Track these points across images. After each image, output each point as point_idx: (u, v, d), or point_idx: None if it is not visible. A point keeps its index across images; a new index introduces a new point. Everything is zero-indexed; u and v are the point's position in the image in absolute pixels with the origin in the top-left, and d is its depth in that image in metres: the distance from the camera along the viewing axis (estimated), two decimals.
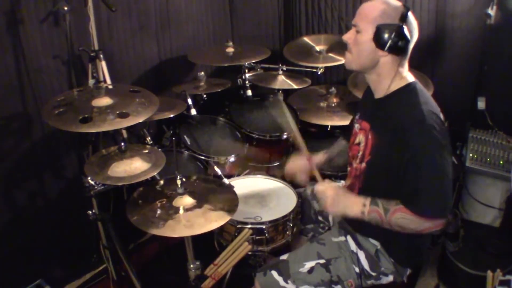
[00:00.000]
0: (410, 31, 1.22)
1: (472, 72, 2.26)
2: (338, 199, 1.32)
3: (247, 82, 2.35)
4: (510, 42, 2.13)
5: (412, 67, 2.14)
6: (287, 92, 2.53)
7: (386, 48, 1.21)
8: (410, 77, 1.30)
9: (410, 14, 1.23)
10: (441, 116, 1.24)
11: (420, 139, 1.18)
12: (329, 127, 2.27)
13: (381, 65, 1.27)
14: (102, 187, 1.53)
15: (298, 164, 1.60)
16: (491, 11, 2.03)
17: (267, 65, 2.37)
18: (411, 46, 1.26)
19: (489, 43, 2.14)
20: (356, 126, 1.43)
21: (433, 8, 2.31)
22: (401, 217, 1.21)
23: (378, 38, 1.21)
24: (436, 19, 2.32)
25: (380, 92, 1.32)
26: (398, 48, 1.20)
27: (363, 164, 1.35)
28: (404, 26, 1.20)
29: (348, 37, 1.30)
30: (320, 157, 1.63)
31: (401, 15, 1.20)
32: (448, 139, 1.22)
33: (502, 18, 2.06)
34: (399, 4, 1.24)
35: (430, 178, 1.18)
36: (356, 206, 1.28)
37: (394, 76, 1.27)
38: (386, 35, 1.19)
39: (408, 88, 1.27)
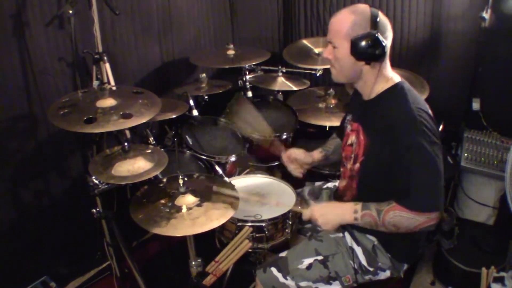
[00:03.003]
0: (384, 34, 1.21)
1: (467, 74, 2.29)
2: (327, 215, 1.34)
3: (247, 83, 2.38)
4: (504, 45, 2.14)
5: (408, 69, 2.21)
6: (287, 93, 2.56)
7: (365, 58, 1.21)
8: (396, 78, 1.31)
9: (380, 16, 1.21)
10: (430, 112, 1.26)
11: (411, 135, 1.19)
12: (327, 127, 2.30)
13: (365, 73, 1.28)
14: (106, 186, 1.55)
15: (299, 154, 1.64)
16: (486, 15, 2.05)
17: (267, 67, 2.40)
18: (389, 45, 1.25)
19: (484, 46, 2.16)
20: (348, 127, 1.45)
21: (429, 11, 2.34)
22: (395, 215, 1.21)
23: (355, 52, 1.21)
24: (432, 22, 2.35)
25: (368, 94, 1.33)
26: (376, 55, 1.20)
27: (357, 165, 1.37)
28: (377, 33, 1.19)
29: (327, 53, 1.30)
30: (316, 155, 1.65)
31: (371, 22, 1.20)
32: (438, 135, 1.22)
33: (496, 21, 2.08)
34: (366, 8, 1.23)
35: (422, 173, 1.19)
36: (348, 214, 1.30)
37: (380, 79, 1.28)
38: (362, 47, 1.19)
39: (396, 89, 1.28)
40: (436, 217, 1.21)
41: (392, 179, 1.26)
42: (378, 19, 1.20)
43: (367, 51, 1.20)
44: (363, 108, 1.37)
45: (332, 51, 1.29)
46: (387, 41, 1.23)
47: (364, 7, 1.24)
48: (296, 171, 1.67)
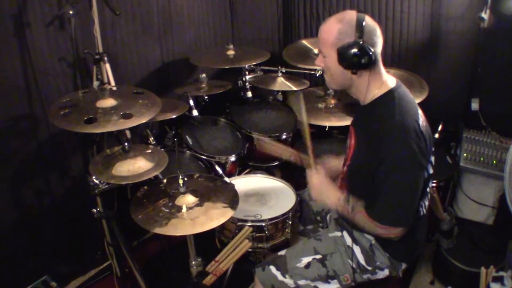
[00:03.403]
0: (371, 40, 1.20)
1: (466, 74, 2.30)
2: (322, 188, 1.39)
3: (247, 84, 2.39)
4: (503, 45, 2.16)
5: (408, 69, 2.22)
6: (286, 94, 2.57)
7: (352, 67, 1.21)
8: (391, 82, 1.29)
9: (366, 22, 1.19)
10: (420, 124, 1.23)
11: (388, 149, 1.19)
12: (327, 127, 2.31)
13: (356, 81, 1.27)
14: (106, 186, 1.55)
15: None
16: (485, 15, 2.06)
17: (266, 67, 2.41)
18: (379, 50, 1.24)
19: (483, 46, 2.17)
20: (350, 129, 1.47)
21: (428, 11, 2.35)
22: (360, 218, 1.29)
23: (342, 61, 1.21)
24: (431, 22, 2.36)
25: (362, 100, 1.33)
26: (364, 64, 1.19)
27: (345, 168, 1.39)
28: (362, 41, 1.18)
29: (319, 62, 1.31)
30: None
31: (357, 29, 1.18)
32: (425, 149, 1.21)
33: (495, 21, 2.09)
34: (353, 16, 1.21)
35: (389, 189, 1.21)
36: (334, 198, 1.35)
37: (373, 84, 1.27)
38: (348, 57, 1.19)
39: (387, 97, 1.26)
40: (398, 232, 1.26)
41: (371, 186, 1.27)
42: (364, 26, 1.18)
43: (353, 60, 1.19)
44: (358, 113, 1.39)
45: (323, 60, 1.29)
46: (376, 47, 1.22)
47: (351, 14, 1.22)
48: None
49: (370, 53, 1.19)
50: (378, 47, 1.24)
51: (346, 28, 1.20)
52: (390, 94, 1.27)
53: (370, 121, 1.29)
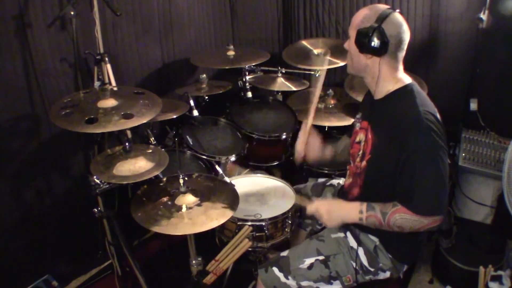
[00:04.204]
0: (390, 32, 1.23)
1: (465, 75, 2.30)
2: (332, 212, 1.36)
3: (247, 84, 2.40)
4: (502, 46, 2.16)
5: (407, 70, 2.21)
6: (286, 94, 2.58)
7: (365, 50, 1.25)
8: (406, 79, 1.33)
9: (392, 15, 1.24)
10: (438, 116, 1.27)
11: (416, 139, 1.20)
12: (326, 127, 2.32)
13: (371, 67, 1.30)
14: (107, 186, 1.55)
15: (317, 137, 1.62)
16: (483, 16, 2.07)
17: (266, 68, 2.41)
18: (404, 46, 1.27)
19: (481, 47, 2.18)
20: (357, 125, 1.46)
21: (427, 12, 2.35)
22: (400, 217, 1.24)
23: (357, 42, 1.27)
24: (430, 23, 2.37)
25: (378, 93, 1.35)
26: (375, 48, 1.24)
27: (364, 163, 1.37)
28: (379, 27, 1.22)
29: (346, 44, 1.37)
30: (327, 150, 1.66)
31: (379, 17, 1.24)
32: (445, 138, 1.24)
33: (493, 22, 2.10)
34: (383, 7, 1.28)
35: (426, 177, 1.20)
36: (353, 213, 1.31)
37: (388, 78, 1.30)
38: (363, 38, 1.25)
39: (406, 90, 1.30)
40: (440, 219, 1.24)
41: (397, 179, 1.27)
42: (387, 17, 1.23)
43: (365, 42, 1.24)
44: (373, 107, 1.39)
45: (348, 42, 1.34)
46: (400, 41, 1.25)
47: (381, 6, 1.29)
48: (300, 145, 1.62)
49: (382, 39, 1.22)
50: (403, 43, 1.27)
51: (372, 14, 1.26)
52: (408, 88, 1.30)
53: (388, 114, 1.29)
